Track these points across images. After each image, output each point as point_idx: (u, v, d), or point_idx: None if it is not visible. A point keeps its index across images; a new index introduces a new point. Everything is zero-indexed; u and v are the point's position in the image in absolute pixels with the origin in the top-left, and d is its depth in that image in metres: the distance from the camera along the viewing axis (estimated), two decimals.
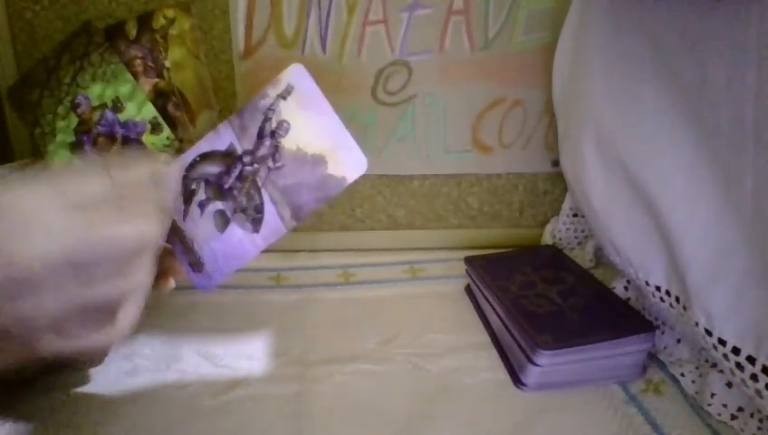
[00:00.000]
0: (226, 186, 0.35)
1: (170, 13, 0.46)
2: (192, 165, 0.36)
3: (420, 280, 0.64)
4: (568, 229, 0.67)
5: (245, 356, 0.49)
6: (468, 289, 0.61)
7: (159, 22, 0.46)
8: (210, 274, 0.36)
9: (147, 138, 0.43)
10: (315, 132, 0.33)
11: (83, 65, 0.45)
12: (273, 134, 0.34)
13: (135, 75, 0.44)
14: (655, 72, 0.45)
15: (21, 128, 0.63)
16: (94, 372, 0.46)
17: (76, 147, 0.44)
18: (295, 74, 0.34)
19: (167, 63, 0.45)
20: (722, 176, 0.40)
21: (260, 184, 0.34)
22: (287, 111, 0.34)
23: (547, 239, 0.69)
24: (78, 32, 0.47)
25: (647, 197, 0.47)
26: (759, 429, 0.40)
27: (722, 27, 0.37)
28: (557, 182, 0.70)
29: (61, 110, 0.44)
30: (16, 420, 0.41)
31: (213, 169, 0.35)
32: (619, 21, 0.49)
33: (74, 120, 0.44)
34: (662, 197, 0.45)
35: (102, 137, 0.43)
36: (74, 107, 0.44)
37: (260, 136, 0.34)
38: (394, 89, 0.65)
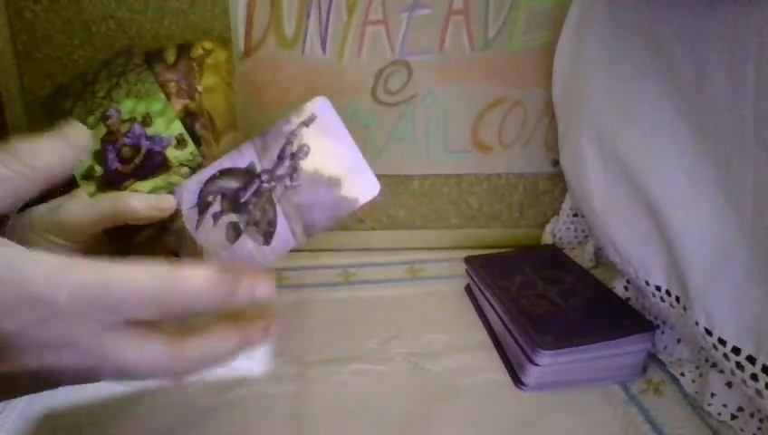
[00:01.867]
0: (242, 200, 0.36)
1: (209, 45, 0.48)
2: (211, 179, 0.37)
3: (420, 280, 0.64)
4: (568, 229, 0.67)
5: (245, 356, 0.49)
6: (468, 289, 0.61)
7: (198, 52, 0.48)
8: None
9: (170, 152, 0.44)
10: (333, 157, 0.35)
11: (120, 82, 0.46)
12: (292, 156, 0.35)
13: (167, 96, 0.46)
14: (655, 72, 0.45)
15: (21, 128, 0.63)
16: None
17: (100, 155, 0.45)
18: (319, 106, 0.35)
19: (199, 88, 0.46)
20: (722, 176, 0.40)
21: (275, 200, 0.35)
22: (308, 137, 0.35)
23: (547, 239, 0.69)
24: (119, 52, 0.48)
25: (647, 196, 0.47)
26: (759, 429, 0.40)
27: (722, 27, 0.37)
28: (557, 182, 0.70)
29: (91, 120, 0.45)
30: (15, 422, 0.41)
31: (231, 184, 0.36)
32: (619, 21, 0.49)
33: (102, 130, 0.45)
34: (662, 196, 0.45)
35: (127, 147, 0.44)
36: (104, 118, 0.45)
37: (280, 157, 0.35)
38: (394, 89, 0.65)
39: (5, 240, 0.27)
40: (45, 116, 0.53)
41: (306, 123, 0.35)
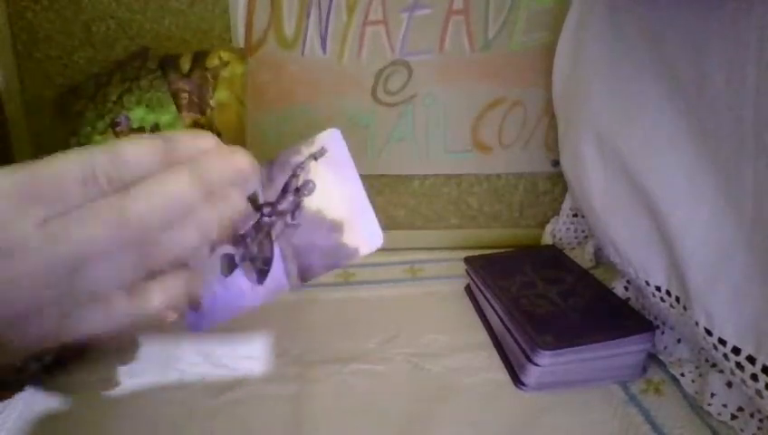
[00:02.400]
0: (240, 232, 0.35)
1: (226, 56, 0.47)
2: None
3: (420, 280, 0.64)
4: (568, 229, 0.67)
5: (245, 356, 0.49)
6: (468, 289, 0.61)
7: (213, 62, 0.47)
8: (204, 315, 0.34)
9: None
10: (338, 199, 0.33)
11: (132, 87, 0.46)
12: (297, 191, 0.34)
13: (178, 108, 0.45)
14: (655, 72, 0.45)
15: (21, 128, 0.63)
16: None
17: None
18: (331, 139, 0.34)
19: (211, 102, 0.46)
20: (722, 176, 0.40)
21: (274, 237, 0.34)
22: (316, 172, 0.34)
23: (547, 239, 0.69)
24: (134, 55, 0.47)
25: (647, 197, 0.47)
26: (759, 429, 0.40)
27: (722, 27, 0.37)
28: (557, 182, 0.70)
29: (100, 125, 0.45)
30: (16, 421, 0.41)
31: None
32: (619, 21, 0.49)
33: (111, 138, 0.44)
34: (662, 197, 0.45)
35: None
36: (114, 125, 0.45)
37: (284, 191, 0.34)
38: (394, 89, 0.65)
39: None
40: (56, 116, 0.53)
41: (315, 157, 0.34)
